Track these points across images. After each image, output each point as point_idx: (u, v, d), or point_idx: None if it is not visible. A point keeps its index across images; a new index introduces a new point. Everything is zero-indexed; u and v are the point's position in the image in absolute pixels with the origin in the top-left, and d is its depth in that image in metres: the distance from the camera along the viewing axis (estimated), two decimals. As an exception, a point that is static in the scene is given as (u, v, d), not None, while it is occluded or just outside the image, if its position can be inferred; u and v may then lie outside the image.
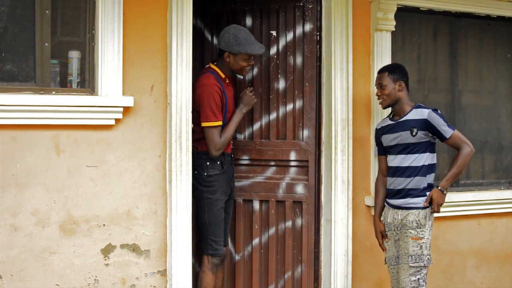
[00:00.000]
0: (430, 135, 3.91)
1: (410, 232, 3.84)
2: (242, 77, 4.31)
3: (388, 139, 4.02)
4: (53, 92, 3.74)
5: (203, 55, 4.38)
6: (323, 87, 4.44)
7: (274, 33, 4.43)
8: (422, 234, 3.84)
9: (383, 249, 4.07)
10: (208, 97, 3.93)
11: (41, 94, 3.70)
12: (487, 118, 5.16)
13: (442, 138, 3.91)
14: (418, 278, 3.82)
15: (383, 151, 4.11)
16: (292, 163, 4.45)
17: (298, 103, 4.44)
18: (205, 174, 4.02)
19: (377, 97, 4.07)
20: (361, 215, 4.50)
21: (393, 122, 4.02)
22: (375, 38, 4.51)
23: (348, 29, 4.40)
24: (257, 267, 4.41)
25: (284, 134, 4.45)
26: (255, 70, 4.44)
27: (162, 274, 3.97)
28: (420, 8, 4.75)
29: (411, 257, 3.83)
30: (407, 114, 3.96)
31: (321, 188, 4.45)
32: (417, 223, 3.84)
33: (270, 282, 4.41)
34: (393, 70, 4.03)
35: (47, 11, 3.77)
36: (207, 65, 4.16)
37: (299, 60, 4.44)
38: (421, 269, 3.83)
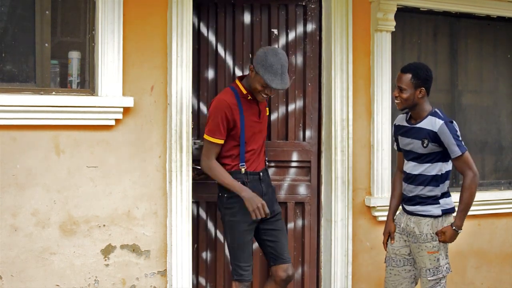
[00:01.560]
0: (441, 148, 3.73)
1: (426, 246, 3.70)
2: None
3: (403, 142, 3.83)
4: (53, 93, 3.75)
5: (199, 50, 4.27)
6: (323, 87, 4.44)
7: (275, 31, 4.39)
8: (437, 247, 3.71)
9: (386, 248, 3.98)
10: (215, 114, 3.72)
11: (41, 94, 3.70)
12: (487, 118, 5.16)
13: (449, 154, 3.69)
14: None
15: (400, 148, 3.93)
16: (294, 164, 4.43)
17: (301, 103, 4.44)
18: (226, 195, 3.77)
19: (394, 97, 3.79)
20: (361, 215, 4.49)
21: (408, 126, 3.79)
22: (375, 38, 4.50)
23: (348, 30, 4.40)
24: (258, 269, 4.37)
25: (285, 134, 4.43)
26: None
27: (162, 275, 3.97)
28: (420, 9, 4.75)
29: (429, 270, 3.72)
30: (422, 121, 3.71)
31: (321, 188, 4.45)
32: (431, 236, 3.70)
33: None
34: (418, 74, 3.69)
35: (47, 12, 3.78)
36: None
37: (302, 60, 4.43)
38: (440, 280, 3.75)
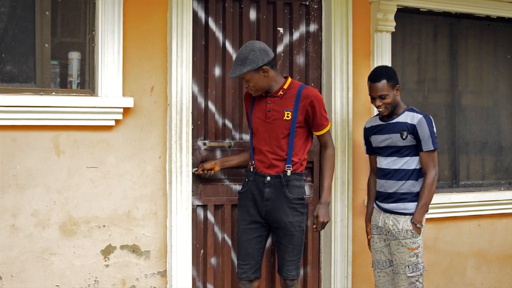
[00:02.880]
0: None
1: (406, 242, 3.76)
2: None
3: (378, 140, 3.93)
4: (53, 93, 3.75)
5: (207, 46, 4.17)
6: (323, 88, 4.44)
7: (281, 30, 4.36)
8: (417, 243, 3.77)
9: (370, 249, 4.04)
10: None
11: (41, 95, 3.70)
12: (487, 119, 5.16)
13: (420, 148, 3.79)
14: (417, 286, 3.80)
15: (372, 151, 4.04)
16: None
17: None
18: (239, 190, 3.90)
19: (377, 106, 3.87)
20: (361, 216, 4.49)
21: (383, 123, 3.92)
22: (375, 39, 4.51)
23: (348, 30, 4.40)
24: (263, 272, 4.35)
25: None
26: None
27: (162, 275, 3.97)
28: (420, 9, 4.75)
29: (408, 267, 3.76)
30: (398, 116, 3.85)
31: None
32: (411, 232, 3.76)
33: (276, 286, 4.35)
34: (390, 75, 3.85)
35: (47, 12, 3.78)
36: None
37: (304, 60, 4.42)
38: (419, 277, 3.79)
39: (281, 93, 3.73)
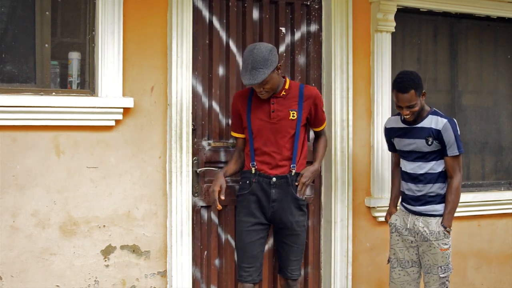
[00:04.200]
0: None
1: (439, 244, 3.74)
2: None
3: (402, 144, 3.86)
4: (53, 93, 3.75)
5: (211, 45, 4.15)
6: (323, 88, 4.44)
7: (283, 29, 4.35)
8: (448, 244, 3.76)
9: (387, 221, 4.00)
10: (231, 107, 3.94)
11: (41, 95, 3.70)
12: (487, 119, 5.16)
13: (445, 152, 3.75)
14: (446, 287, 3.81)
15: (395, 149, 3.97)
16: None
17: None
18: (236, 193, 3.86)
19: (404, 115, 3.75)
20: (361, 216, 4.50)
21: (407, 126, 3.82)
22: (375, 39, 4.51)
23: (348, 30, 4.40)
24: (265, 273, 4.34)
25: None
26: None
27: (162, 275, 3.97)
28: (420, 9, 4.75)
29: (441, 268, 3.75)
30: (423, 120, 3.77)
31: (321, 189, 4.45)
32: (443, 233, 3.74)
33: (278, 285, 4.32)
34: (417, 84, 3.69)
35: (47, 12, 3.78)
36: None
37: (305, 60, 4.41)
38: (448, 277, 3.80)
39: (284, 93, 3.72)
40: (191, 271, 4.02)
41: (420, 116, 3.78)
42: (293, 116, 3.72)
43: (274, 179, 3.71)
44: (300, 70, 4.39)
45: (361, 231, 4.51)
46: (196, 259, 4.12)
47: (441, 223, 3.75)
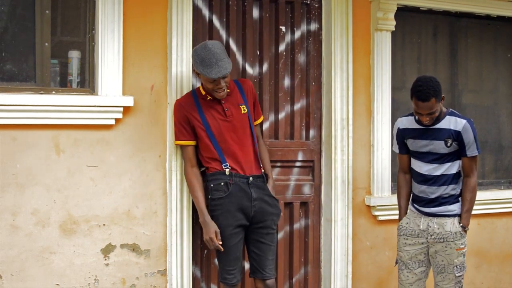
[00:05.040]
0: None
1: (455, 244, 3.73)
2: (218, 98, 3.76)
3: (417, 145, 3.80)
4: (53, 92, 3.75)
5: None
6: (323, 87, 4.44)
7: (283, 28, 4.35)
8: (464, 243, 3.77)
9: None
10: (174, 117, 3.78)
11: (41, 94, 3.70)
12: (487, 118, 5.17)
13: (463, 153, 3.72)
14: (461, 286, 3.80)
15: (406, 151, 3.90)
16: (298, 164, 4.40)
17: (305, 102, 4.41)
18: (209, 197, 3.75)
19: (424, 122, 3.70)
20: (361, 215, 4.50)
21: (422, 127, 3.76)
22: (375, 38, 4.50)
23: (348, 29, 4.40)
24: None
25: (290, 133, 4.39)
26: (265, 66, 4.30)
27: (162, 274, 3.97)
28: (420, 8, 4.75)
29: (457, 267, 3.75)
30: (440, 121, 3.72)
31: (321, 188, 4.45)
32: (460, 233, 3.74)
33: (279, 285, 4.34)
34: (437, 91, 3.60)
35: (47, 11, 3.77)
36: None
37: (305, 59, 4.41)
38: (463, 275, 3.80)
39: (228, 90, 3.76)
40: (191, 270, 4.02)
41: (437, 117, 3.73)
42: (244, 110, 3.80)
43: (251, 178, 3.75)
44: (300, 69, 4.39)
45: (361, 230, 4.51)
46: (196, 258, 4.13)
47: (460, 222, 3.74)
